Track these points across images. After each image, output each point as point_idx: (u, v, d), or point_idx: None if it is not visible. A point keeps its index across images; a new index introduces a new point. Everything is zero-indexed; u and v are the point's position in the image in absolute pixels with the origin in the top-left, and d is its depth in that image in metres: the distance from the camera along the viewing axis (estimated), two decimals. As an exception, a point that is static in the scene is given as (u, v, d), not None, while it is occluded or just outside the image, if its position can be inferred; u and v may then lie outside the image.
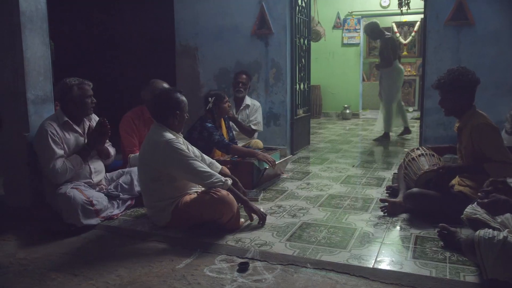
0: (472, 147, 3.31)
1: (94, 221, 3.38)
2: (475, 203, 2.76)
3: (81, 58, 6.88)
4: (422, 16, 6.56)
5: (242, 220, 3.39)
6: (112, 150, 3.88)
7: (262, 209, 3.48)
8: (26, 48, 3.66)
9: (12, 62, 3.68)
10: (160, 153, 3.19)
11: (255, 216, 3.38)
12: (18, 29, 3.62)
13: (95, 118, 3.79)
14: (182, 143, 3.38)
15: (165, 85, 4.22)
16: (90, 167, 3.65)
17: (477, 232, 2.31)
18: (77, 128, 3.62)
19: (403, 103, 8.03)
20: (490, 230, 2.31)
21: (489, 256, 2.20)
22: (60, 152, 3.43)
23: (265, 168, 4.39)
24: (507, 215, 2.66)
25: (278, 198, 4.12)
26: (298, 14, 6.21)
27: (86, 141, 3.62)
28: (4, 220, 3.60)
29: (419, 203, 3.46)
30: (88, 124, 3.72)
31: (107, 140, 3.80)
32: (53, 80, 3.98)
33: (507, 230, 2.57)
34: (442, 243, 2.96)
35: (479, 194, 2.42)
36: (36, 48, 3.77)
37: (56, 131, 3.47)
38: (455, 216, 3.14)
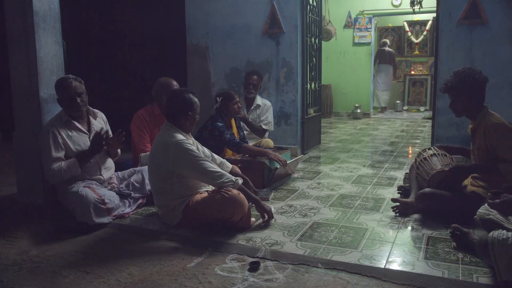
0: (486, 148, 3.28)
1: (106, 219, 3.40)
2: (487, 204, 2.73)
3: (93, 57, 6.93)
4: (434, 15, 6.52)
5: (253, 219, 3.39)
6: (118, 151, 3.89)
7: (273, 208, 3.48)
8: (39, 47, 3.70)
9: (25, 62, 3.73)
10: (171, 154, 3.20)
11: (267, 215, 3.37)
12: (31, 28, 3.66)
13: (102, 117, 3.81)
14: (192, 143, 3.39)
15: (174, 82, 4.25)
16: (99, 163, 3.67)
17: (491, 233, 2.28)
18: (80, 126, 3.63)
19: None
20: (504, 231, 2.28)
21: (503, 257, 2.18)
22: (57, 154, 3.45)
23: (276, 168, 4.38)
24: (521, 216, 2.63)
25: (289, 197, 4.11)
26: (309, 13, 6.19)
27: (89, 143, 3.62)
28: (17, 218, 3.64)
29: (431, 203, 3.43)
30: (95, 121, 3.72)
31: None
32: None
33: (521, 231, 2.55)
34: (454, 244, 2.93)
35: (489, 194, 2.39)
36: (49, 48, 3.80)
37: (59, 131, 3.49)
38: (468, 217, 3.11)
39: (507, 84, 5.05)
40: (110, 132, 3.81)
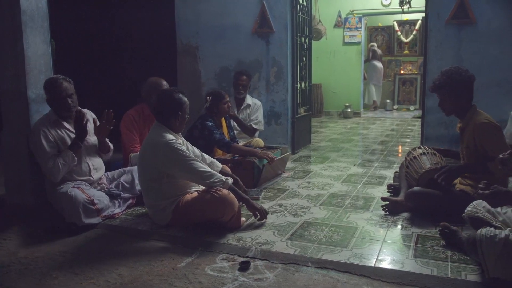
0: (475, 146, 3.30)
1: (95, 220, 3.38)
2: (476, 195, 2.75)
3: (82, 57, 6.88)
4: (423, 14, 6.55)
5: (243, 219, 3.38)
6: (111, 145, 3.87)
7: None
8: (27, 46, 3.67)
9: (13, 61, 3.68)
10: (160, 154, 3.19)
11: (259, 214, 3.37)
12: (19, 27, 3.62)
13: (91, 116, 3.78)
14: (182, 143, 3.38)
15: (164, 82, 4.23)
16: (88, 164, 3.65)
17: (479, 230, 2.30)
18: (68, 126, 3.60)
19: None
20: (492, 228, 2.30)
21: (490, 255, 2.20)
22: (52, 151, 3.44)
23: (263, 165, 4.38)
24: (509, 213, 2.66)
25: (279, 197, 4.12)
26: (299, 13, 6.20)
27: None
28: (6, 219, 3.60)
29: (421, 202, 3.45)
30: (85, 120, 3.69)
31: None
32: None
33: (508, 229, 2.57)
34: (443, 241, 2.96)
35: (479, 185, 2.41)
36: (37, 47, 3.77)
37: (49, 130, 3.47)
38: (457, 215, 3.13)
39: (495, 83, 5.10)
40: (97, 122, 3.74)
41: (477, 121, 3.28)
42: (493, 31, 5.09)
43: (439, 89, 3.41)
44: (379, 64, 11.88)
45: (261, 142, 5.19)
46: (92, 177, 3.67)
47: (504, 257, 2.17)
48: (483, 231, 2.27)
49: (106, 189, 3.75)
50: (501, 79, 5.09)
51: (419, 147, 3.82)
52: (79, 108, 3.61)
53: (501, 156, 2.33)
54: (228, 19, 6.17)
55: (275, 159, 4.49)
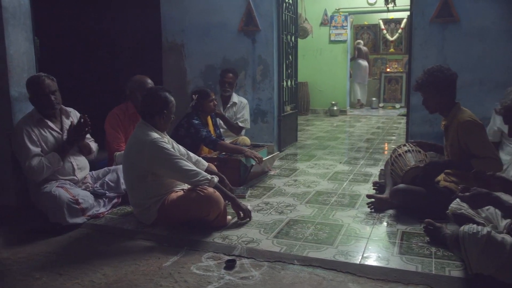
0: (458, 144, 3.34)
1: (80, 219, 3.35)
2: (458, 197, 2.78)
3: (68, 55, 6.80)
4: (408, 13, 6.59)
5: (229, 217, 3.38)
6: (94, 146, 3.84)
7: (249, 206, 3.48)
8: (9, 44, 3.61)
9: (-6, 59, 3.63)
10: (146, 153, 3.17)
11: (242, 214, 3.37)
12: (0, 25, 3.56)
13: (76, 115, 3.75)
14: (167, 142, 3.36)
15: (149, 80, 4.21)
16: (72, 164, 3.61)
17: (462, 227, 2.32)
18: (52, 125, 3.56)
19: None
20: (475, 225, 2.32)
21: (473, 251, 2.22)
22: (36, 150, 3.38)
23: (252, 165, 4.38)
24: (491, 210, 2.69)
25: (266, 195, 4.12)
26: (285, 11, 6.21)
27: (65, 138, 3.57)
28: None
29: (406, 199, 3.48)
30: (67, 121, 3.66)
31: (89, 136, 3.77)
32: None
33: (491, 225, 2.61)
34: (428, 238, 2.99)
35: (459, 187, 2.44)
36: (20, 45, 3.72)
37: (32, 129, 3.43)
38: (441, 212, 3.17)
39: (478, 81, 5.15)
40: None
41: (461, 119, 3.31)
42: (476, 29, 5.14)
43: (422, 88, 3.44)
44: (364, 63, 11.95)
45: (247, 140, 5.19)
46: (76, 177, 3.63)
47: (486, 254, 2.19)
48: (466, 227, 2.29)
49: (91, 188, 3.71)
50: (484, 77, 5.14)
51: (404, 145, 3.84)
52: (85, 115, 3.55)
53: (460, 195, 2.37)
54: (214, 17, 6.15)
55: (264, 159, 4.48)
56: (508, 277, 2.24)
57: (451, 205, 3.03)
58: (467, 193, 2.32)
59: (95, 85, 6.62)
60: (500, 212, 2.50)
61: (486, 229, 2.25)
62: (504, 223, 2.59)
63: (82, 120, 3.55)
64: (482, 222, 2.73)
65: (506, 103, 2.28)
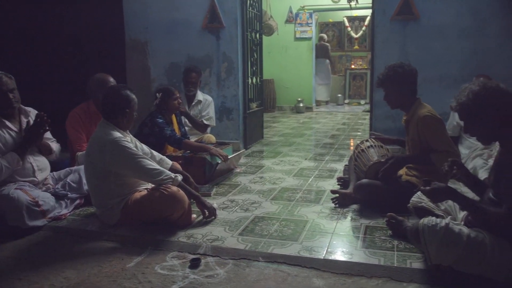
0: (418, 138, 3.41)
1: (40, 222, 3.26)
2: (419, 191, 2.85)
3: (27, 54, 6.61)
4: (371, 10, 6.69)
5: (194, 215, 3.36)
6: (55, 146, 3.73)
7: (214, 204, 3.47)
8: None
9: None
10: (107, 152, 3.11)
11: (207, 212, 3.35)
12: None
13: (34, 113, 3.64)
14: (130, 141, 3.31)
15: (111, 79, 4.13)
16: (32, 165, 3.50)
17: (421, 220, 2.38)
18: (10, 124, 3.45)
19: None
20: (434, 217, 2.38)
21: (432, 242, 2.28)
22: None
23: (218, 163, 4.36)
24: (450, 202, 2.77)
25: (231, 192, 4.11)
26: (249, 8, 6.20)
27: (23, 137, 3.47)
28: None
29: (369, 194, 3.54)
30: (26, 120, 3.55)
31: (51, 136, 3.67)
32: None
33: (449, 217, 2.68)
34: (390, 232, 3.05)
35: (421, 181, 2.50)
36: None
37: None
38: (403, 206, 3.23)
39: (438, 77, 5.28)
40: None
41: (420, 114, 3.39)
42: (436, 27, 5.26)
43: (383, 83, 3.50)
44: (325, 61, 11.91)
45: (212, 138, 5.17)
46: (37, 178, 3.52)
47: (444, 245, 2.25)
48: (425, 220, 2.35)
49: (52, 190, 3.61)
50: (443, 73, 5.28)
51: (367, 140, 3.90)
52: (43, 113, 3.44)
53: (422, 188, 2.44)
54: (178, 14, 6.09)
55: (229, 157, 4.47)
56: (465, 267, 2.31)
57: (412, 198, 3.09)
58: (428, 187, 2.37)
59: (56, 84, 6.46)
60: (458, 204, 2.58)
61: (444, 221, 2.31)
62: (461, 215, 2.67)
63: (38, 119, 3.45)
64: (441, 214, 2.80)
65: (461, 99, 2.34)
